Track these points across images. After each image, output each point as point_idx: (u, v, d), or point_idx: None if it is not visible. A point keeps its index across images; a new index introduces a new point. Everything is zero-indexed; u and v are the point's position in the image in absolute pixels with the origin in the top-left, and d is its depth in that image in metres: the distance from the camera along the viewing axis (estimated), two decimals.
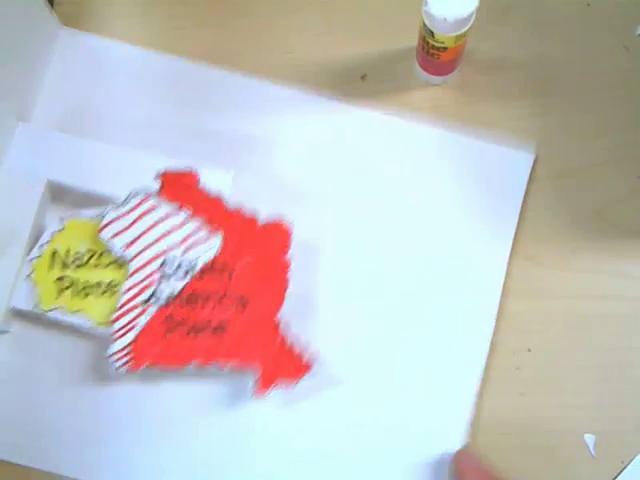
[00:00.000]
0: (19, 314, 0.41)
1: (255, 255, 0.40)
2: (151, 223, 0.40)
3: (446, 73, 0.45)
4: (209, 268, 0.39)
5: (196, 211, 0.40)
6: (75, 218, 0.41)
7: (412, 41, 0.45)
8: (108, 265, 0.40)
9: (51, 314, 0.40)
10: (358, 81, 0.47)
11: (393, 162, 0.44)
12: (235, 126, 0.45)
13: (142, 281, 0.39)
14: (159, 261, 0.39)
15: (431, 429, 0.41)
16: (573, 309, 0.43)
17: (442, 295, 0.42)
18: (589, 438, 0.41)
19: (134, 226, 0.40)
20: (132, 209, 0.40)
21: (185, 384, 0.41)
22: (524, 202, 0.44)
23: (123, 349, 0.38)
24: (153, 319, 0.38)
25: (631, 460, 0.41)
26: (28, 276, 0.40)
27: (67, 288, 0.40)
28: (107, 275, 0.40)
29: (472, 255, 0.42)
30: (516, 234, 0.43)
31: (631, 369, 0.42)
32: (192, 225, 0.40)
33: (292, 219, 0.40)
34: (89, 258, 0.40)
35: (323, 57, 0.47)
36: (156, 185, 0.40)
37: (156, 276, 0.39)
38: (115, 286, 0.40)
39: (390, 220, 0.43)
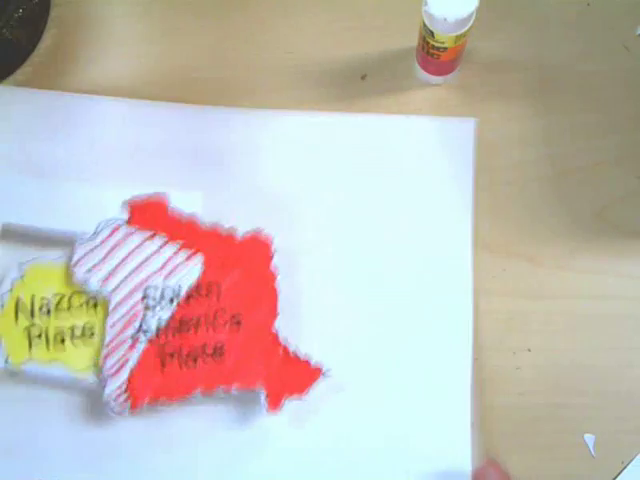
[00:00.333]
0: None
1: (239, 270, 0.39)
2: (126, 253, 0.38)
3: (446, 73, 0.45)
4: (195, 291, 0.38)
5: (171, 236, 0.39)
6: (36, 262, 0.39)
7: (412, 41, 0.45)
8: (80, 306, 0.38)
9: (25, 368, 0.37)
10: (358, 81, 0.47)
11: (350, 161, 0.44)
12: (202, 146, 0.44)
13: (126, 314, 0.37)
14: (140, 292, 0.38)
15: (433, 434, 0.40)
16: (573, 309, 0.42)
17: (417, 295, 0.41)
18: (589, 438, 0.41)
19: (108, 259, 0.38)
20: (103, 241, 0.38)
21: (190, 408, 0.39)
22: (524, 203, 0.44)
23: (119, 388, 0.36)
24: (145, 353, 0.37)
25: (631, 460, 0.41)
26: None
27: (38, 337, 0.37)
28: (81, 317, 0.38)
29: (435, 245, 0.42)
30: (516, 234, 0.43)
31: (631, 369, 0.42)
32: (169, 250, 0.38)
33: (270, 230, 0.40)
34: (58, 302, 0.38)
35: (323, 57, 0.47)
36: (124, 215, 0.39)
37: (140, 307, 0.37)
38: (92, 328, 0.38)
39: (367, 221, 0.43)
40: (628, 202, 0.44)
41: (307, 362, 0.38)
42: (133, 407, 0.36)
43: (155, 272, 0.38)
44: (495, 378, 0.42)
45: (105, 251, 0.38)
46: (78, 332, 0.37)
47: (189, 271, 0.38)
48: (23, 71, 0.48)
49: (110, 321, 0.37)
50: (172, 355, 0.37)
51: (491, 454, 0.39)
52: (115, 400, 0.36)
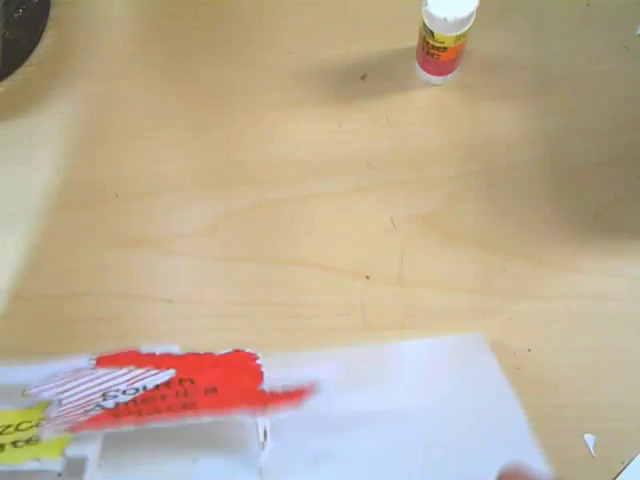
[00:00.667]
0: None
1: (219, 370, 0.36)
2: (87, 377, 0.35)
3: (446, 73, 0.45)
4: (164, 385, 0.35)
5: (141, 364, 0.36)
6: None
7: (412, 41, 0.46)
8: (29, 428, 0.35)
9: None
10: (358, 81, 0.47)
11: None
12: None
13: (80, 400, 0.34)
14: (99, 395, 0.35)
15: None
16: (573, 309, 0.42)
17: None
18: (589, 438, 0.41)
19: (66, 381, 0.35)
20: (61, 377, 0.36)
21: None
22: (524, 203, 0.44)
23: (58, 414, 0.33)
24: (98, 415, 0.34)
25: (631, 460, 0.40)
26: None
27: None
28: (28, 433, 0.34)
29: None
30: (516, 234, 0.43)
31: (631, 369, 0.42)
32: (137, 371, 0.36)
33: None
34: (4, 429, 0.35)
35: (323, 57, 0.47)
36: (90, 364, 0.36)
37: (97, 397, 0.34)
38: (38, 437, 0.34)
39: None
40: (628, 202, 0.44)
41: (298, 387, 0.35)
42: (72, 430, 0.33)
43: (119, 383, 0.35)
44: None
45: (64, 379, 0.36)
46: (22, 443, 0.34)
47: (158, 378, 0.35)
48: (23, 71, 0.48)
49: (62, 404, 0.35)
50: (130, 412, 0.34)
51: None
52: (52, 421, 0.34)
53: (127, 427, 0.33)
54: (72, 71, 0.48)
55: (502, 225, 0.44)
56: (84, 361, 0.37)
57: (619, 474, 0.40)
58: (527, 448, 0.35)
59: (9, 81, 0.48)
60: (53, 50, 0.49)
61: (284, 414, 0.34)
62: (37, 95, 0.48)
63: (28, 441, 0.35)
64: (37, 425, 0.35)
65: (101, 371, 0.36)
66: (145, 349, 0.37)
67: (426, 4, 0.39)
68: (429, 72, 0.45)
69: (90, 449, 0.34)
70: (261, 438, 0.34)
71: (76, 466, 0.34)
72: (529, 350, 0.42)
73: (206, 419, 0.33)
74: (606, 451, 0.41)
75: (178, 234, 0.45)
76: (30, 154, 0.47)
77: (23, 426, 0.36)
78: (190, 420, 0.33)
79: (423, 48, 0.43)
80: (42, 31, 0.48)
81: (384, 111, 0.46)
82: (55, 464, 0.33)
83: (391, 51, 0.47)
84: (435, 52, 0.42)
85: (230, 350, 0.37)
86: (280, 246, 0.44)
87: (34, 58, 0.48)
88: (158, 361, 0.36)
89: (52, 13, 0.49)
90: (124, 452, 0.36)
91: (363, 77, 0.47)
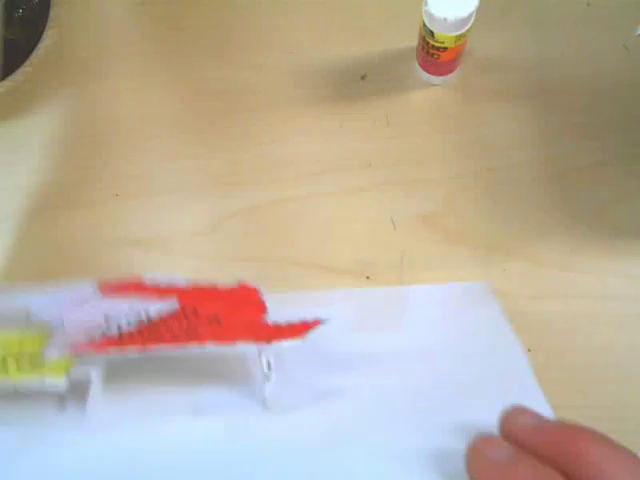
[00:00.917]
0: None
1: (222, 302, 0.36)
2: (91, 304, 0.35)
3: (446, 73, 0.45)
4: (167, 314, 0.35)
5: (144, 293, 0.36)
6: None
7: (412, 41, 0.46)
8: (33, 347, 0.35)
9: None
10: (358, 81, 0.47)
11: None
12: None
13: (83, 324, 0.34)
14: (102, 320, 0.35)
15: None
16: (573, 309, 0.42)
17: None
18: None
19: (71, 308, 0.35)
20: (65, 302, 0.36)
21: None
22: (524, 203, 0.44)
23: (62, 340, 0.33)
24: (100, 340, 0.34)
25: None
26: None
27: None
28: (32, 346, 0.35)
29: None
30: (516, 234, 0.43)
31: (631, 369, 0.42)
32: (141, 300, 0.36)
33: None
34: (5, 350, 0.35)
35: (323, 57, 0.47)
36: (93, 291, 0.37)
37: (100, 323, 0.34)
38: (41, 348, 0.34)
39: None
40: (628, 202, 0.44)
41: (303, 320, 0.35)
42: (74, 350, 0.33)
43: (122, 311, 0.35)
44: None
45: (67, 304, 0.36)
46: (25, 363, 0.35)
47: (162, 306, 0.35)
48: (23, 71, 0.48)
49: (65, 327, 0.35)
50: (133, 340, 0.34)
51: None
52: (56, 344, 0.34)
53: (132, 353, 0.33)
54: (72, 71, 0.48)
55: (502, 225, 0.44)
56: (87, 287, 0.37)
57: None
58: (530, 391, 0.35)
59: (9, 81, 0.48)
60: (53, 50, 0.49)
61: (288, 348, 0.34)
62: (37, 95, 0.48)
63: (32, 362, 0.35)
64: (40, 347, 0.35)
65: (104, 298, 0.36)
66: (148, 279, 0.37)
67: (426, 4, 0.39)
68: (429, 72, 0.45)
69: (94, 372, 0.34)
70: (265, 370, 0.34)
71: (79, 390, 0.34)
72: (529, 350, 0.42)
73: (210, 349, 0.33)
74: None
75: (178, 234, 0.45)
76: (30, 154, 0.47)
77: (26, 347, 0.36)
78: (194, 349, 0.33)
79: (423, 48, 0.43)
80: (42, 31, 0.48)
81: (384, 111, 0.46)
82: (59, 384, 0.33)
83: (391, 51, 0.47)
84: (435, 52, 0.42)
85: (234, 283, 0.37)
86: (280, 246, 0.44)
87: (34, 58, 0.48)
88: (161, 291, 0.36)
89: (52, 13, 0.49)
90: (127, 380, 0.36)
91: (363, 77, 0.47)
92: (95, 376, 0.34)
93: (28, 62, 0.48)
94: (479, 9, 0.39)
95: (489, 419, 0.28)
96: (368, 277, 0.44)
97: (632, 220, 0.44)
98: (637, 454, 0.24)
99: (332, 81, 0.47)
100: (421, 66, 0.45)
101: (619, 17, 0.47)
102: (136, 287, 0.37)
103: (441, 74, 0.45)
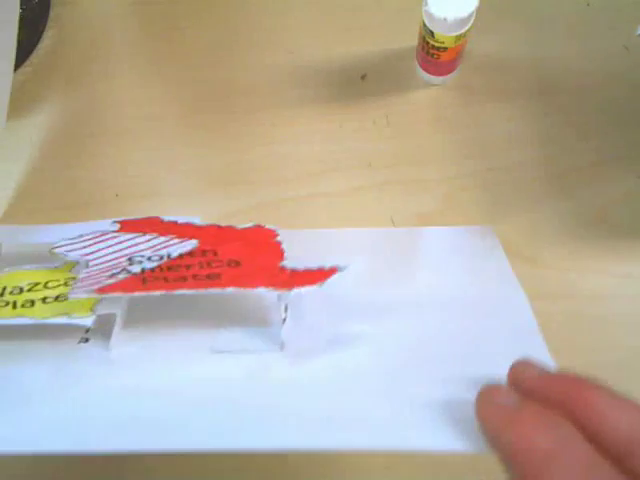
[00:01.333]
0: None
1: (240, 243, 0.37)
2: (111, 241, 0.36)
3: (446, 73, 0.45)
4: (187, 254, 0.35)
5: (164, 233, 0.37)
6: (13, 270, 0.37)
7: (412, 41, 0.46)
8: (57, 286, 0.36)
9: None
10: (358, 81, 0.47)
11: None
12: None
13: (106, 263, 0.35)
14: (124, 259, 0.35)
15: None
16: (573, 309, 0.42)
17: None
18: None
19: (91, 242, 0.36)
20: (87, 239, 0.37)
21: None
22: (524, 203, 0.44)
23: (86, 279, 0.34)
24: (125, 279, 0.34)
25: None
26: None
27: (4, 305, 0.35)
28: (57, 290, 0.35)
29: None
30: (516, 234, 0.43)
31: (632, 369, 0.42)
32: (161, 239, 0.37)
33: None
34: (33, 286, 0.36)
35: (323, 57, 0.47)
36: (113, 227, 0.38)
37: (123, 262, 0.35)
38: (67, 295, 0.35)
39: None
40: (628, 202, 0.44)
41: (320, 267, 0.35)
42: (99, 291, 0.33)
43: (143, 249, 0.36)
44: None
45: (89, 242, 0.37)
46: (51, 299, 0.35)
47: (181, 246, 0.36)
48: (23, 71, 0.48)
49: (89, 267, 0.35)
50: (156, 278, 0.34)
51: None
52: (80, 283, 0.34)
53: (155, 293, 0.33)
54: (72, 71, 0.48)
55: (502, 225, 0.44)
56: (107, 224, 0.38)
57: None
58: (535, 341, 0.35)
59: None
60: (53, 50, 0.49)
61: (305, 293, 0.34)
62: (37, 95, 0.48)
63: (57, 298, 0.35)
64: (65, 284, 0.36)
65: (125, 236, 0.37)
66: (167, 218, 0.38)
67: (426, 4, 0.39)
68: (429, 72, 0.45)
69: (117, 311, 0.35)
70: (282, 314, 0.34)
71: (102, 328, 0.35)
72: None
73: (230, 291, 0.33)
74: None
75: None
76: (30, 154, 0.47)
77: (51, 284, 0.36)
78: (215, 291, 0.33)
79: (423, 48, 0.43)
80: (42, 31, 0.48)
81: (384, 111, 0.46)
82: (85, 320, 0.34)
83: (391, 51, 0.47)
84: (435, 52, 0.42)
85: (251, 224, 0.38)
86: None
87: (34, 58, 0.48)
88: (180, 230, 0.37)
89: (52, 13, 0.49)
90: (148, 319, 0.36)
91: (363, 77, 0.47)
92: (118, 315, 0.35)
93: (28, 62, 0.48)
94: (479, 9, 0.39)
95: (496, 369, 0.28)
96: None
97: (632, 220, 0.44)
98: None
99: (332, 81, 0.47)
100: (421, 66, 0.45)
101: (619, 17, 0.47)
102: (156, 225, 0.37)
103: (441, 74, 0.45)
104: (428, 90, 0.47)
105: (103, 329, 0.35)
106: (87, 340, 0.36)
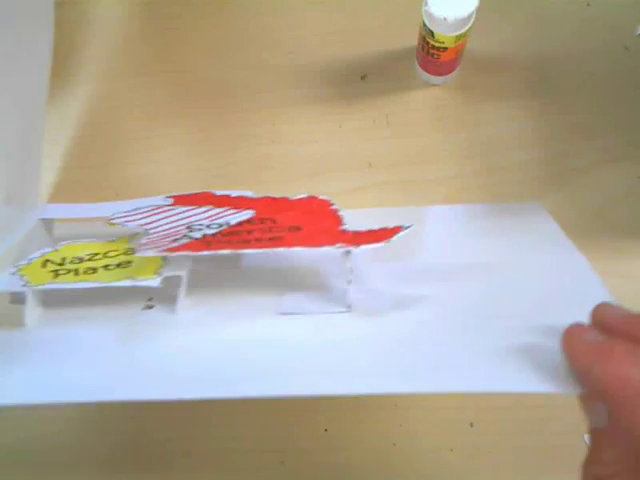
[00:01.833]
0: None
1: (296, 212, 0.37)
2: (169, 214, 0.37)
3: (446, 73, 0.45)
4: (246, 222, 0.36)
5: (218, 205, 0.37)
6: (72, 242, 0.38)
7: (412, 41, 0.46)
8: (117, 255, 0.36)
9: (46, 287, 0.34)
10: (358, 81, 0.47)
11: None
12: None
13: (165, 231, 0.35)
14: (183, 228, 0.35)
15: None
16: None
17: None
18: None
19: (149, 217, 0.37)
20: (142, 211, 0.38)
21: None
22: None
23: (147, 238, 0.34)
24: (188, 243, 0.34)
25: None
26: (12, 274, 0.35)
27: (66, 273, 0.35)
28: (117, 259, 0.36)
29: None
30: None
31: None
32: (217, 210, 0.37)
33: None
34: (92, 255, 0.37)
35: (323, 57, 0.47)
36: (167, 202, 0.38)
37: (182, 230, 0.35)
38: (129, 262, 0.35)
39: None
40: (628, 202, 0.44)
41: (384, 227, 0.34)
42: (167, 250, 0.33)
43: (201, 219, 0.36)
44: None
45: (145, 214, 0.37)
46: (112, 266, 0.36)
47: (239, 215, 0.36)
48: None
49: (150, 233, 0.36)
50: (220, 242, 0.34)
51: None
52: (144, 246, 0.34)
53: (222, 252, 0.33)
54: (72, 71, 0.48)
55: None
56: (160, 199, 0.38)
57: None
58: (600, 293, 0.35)
59: None
60: (53, 50, 0.49)
61: (369, 254, 0.34)
62: None
63: (119, 265, 0.36)
64: (125, 253, 0.36)
65: (180, 208, 0.37)
66: (219, 192, 0.38)
67: (426, 4, 0.39)
68: (429, 72, 0.45)
69: (183, 274, 0.35)
70: (348, 275, 0.34)
71: (165, 293, 0.35)
72: None
73: (296, 251, 0.33)
74: None
75: None
76: None
77: (111, 254, 0.37)
78: (280, 250, 0.33)
79: (423, 48, 0.43)
80: None
81: (384, 111, 0.46)
82: (151, 281, 0.34)
83: (391, 51, 0.47)
84: (435, 52, 0.42)
85: (305, 195, 0.38)
86: None
87: None
88: (235, 202, 0.37)
89: None
90: (211, 286, 0.37)
91: (363, 77, 0.47)
92: (184, 276, 0.35)
93: None
94: (479, 9, 0.39)
95: (567, 321, 0.28)
96: None
97: (632, 220, 0.44)
98: None
99: (332, 81, 0.47)
100: (421, 66, 0.45)
101: (619, 17, 0.47)
102: (209, 199, 0.38)
103: (441, 74, 0.45)
104: (428, 90, 0.47)
105: (166, 296, 0.35)
106: (151, 307, 0.36)
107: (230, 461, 0.42)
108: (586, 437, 0.41)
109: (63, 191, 0.47)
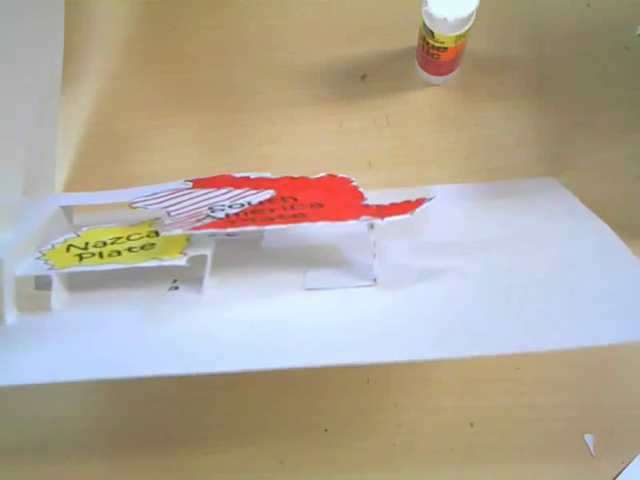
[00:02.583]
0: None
1: (316, 189, 0.37)
2: (189, 197, 0.37)
3: (446, 73, 0.45)
4: (267, 201, 0.36)
5: (238, 186, 0.38)
6: (94, 228, 0.39)
7: (412, 41, 0.46)
8: (140, 238, 0.37)
9: (72, 270, 0.35)
10: (358, 81, 0.47)
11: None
12: None
13: (188, 212, 0.35)
14: (205, 209, 0.36)
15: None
16: None
17: None
18: (589, 438, 0.41)
19: (169, 200, 0.37)
20: (162, 195, 0.38)
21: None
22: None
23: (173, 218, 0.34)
24: (211, 222, 0.34)
25: (631, 460, 0.40)
26: (37, 259, 0.36)
27: (90, 256, 0.36)
28: (140, 241, 0.36)
29: None
30: None
31: (631, 369, 0.42)
32: (237, 191, 0.37)
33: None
34: (115, 239, 0.37)
35: (323, 57, 0.47)
36: (186, 185, 0.38)
37: (205, 211, 0.35)
38: (153, 244, 0.36)
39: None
40: (628, 202, 0.44)
41: (407, 200, 0.34)
42: (192, 229, 0.33)
43: (222, 200, 0.36)
44: (495, 378, 0.42)
45: (165, 197, 0.37)
46: (137, 249, 0.36)
47: (259, 195, 0.36)
48: None
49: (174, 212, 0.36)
50: (243, 220, 0.34)
51: None
52: (168, 226, 0.34)
53: (247, 229, 0.33)
54: (72, 71, 0.48)
55: None
56: (179, 183, 0.38)
57: (619, 474, 0.40)
58: (627, 258, 0.34)
59: None
60: None
61: (399, 221, 0.33)
62: None
63: (143, 247, 0.36)
64: (148, 236, 0.37)
65: (199, 191, 0.37)
66: (238, 175, 0.38)
67: (426, 4, 0.39)
68: (429, 72, 0.45)
69: (208, 250, 0.35)
70: (373, 249, 0.34)
71: (190, 276, 0.36)
72: None
73: (320, 225, 0.33)
74: (606, 451, 0.41)
75: None
76: None
77: (134, 237, 0.37)
78: (304, 225, 0.33)
79: (423, 48, 0.43)
80: None
81: (384, 111, 0.46)
82: (177, 261, 0.34)
83: (391, 51, 0.47)
84: (435, 52, 0.42)
85: (324, 174, 0.38)
86: None
87: None
88: (254, 183, 0.37)
89: None
90: (236, 265, 0.37)
91: (363, 77, 0.47)
92: (209, 255, 0.35)
93: None
94: (479, 9, 0.39)
95: (598, 285, 0.29)
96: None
97: (632, 220, 0.44)
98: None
99: (332, 81, 0.47)
100: (421, 66, 0.45)
101: (619, 17, 0.47)
102: (229, 181, 0.38)
103: (441, 74, 0.45)
104: (428, 90, 0.47)
105: (191, 278, 0.36)
106: (177, 288, 0.36)
107: (230, 461, 0.42)
108: (586, 437, 0.41)
109: (65, 190, 0.47)
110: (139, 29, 0.49)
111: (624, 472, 0.40)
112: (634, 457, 0.41)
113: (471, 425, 0.41)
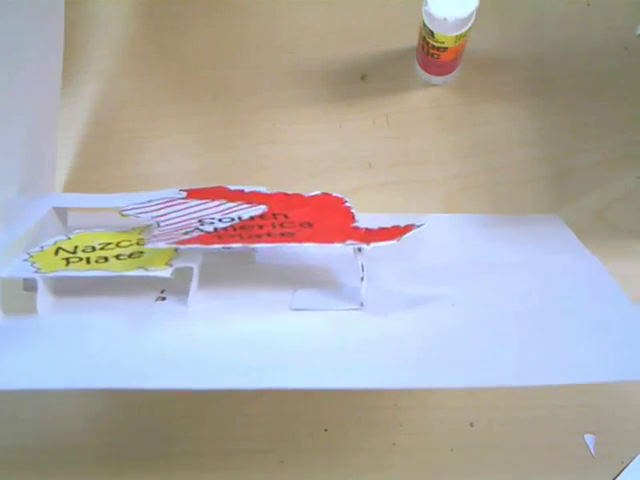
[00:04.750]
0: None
1: (309, 208, 0.36)
2: (181, 206, 0.37)
3: (446, 73, 0.45)
4: (258, 217, 0.36)
5: (231, 199, 0.37)
6: (85, 232, 0.38)
7: (412, 41, 0.46)
8: (129, 245, 0.37)
9: (57, 275, 0.34)
10: (358, 81, 0.47)
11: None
12: None
13: (177, 224, 0.35)
14: (196, 221, 0.36)
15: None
16: None
17: None
18: (589, 438, 0.41)
19: (161, 207, 0.37)
20: (156, 204, 0.38)
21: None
22: (524, 203, 0.44)
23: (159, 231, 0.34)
24: (199, 236, 0.34)
25: (631, 460, 0.41)
26: (24, 261, 0.35)
27: (78, 260, 0.35)
28: (129, 249, 0.36)
29: None
30: None
31: None
32: (229, 204, 0.37)
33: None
34: (105, 245, 0.37)
35: (323, 57, 0.47)
36: (180, 195, 0.38)
37: (194, 223, 0.35)
38: (141, 252, 0.35)
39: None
40: (628, 202, 0.44)
41: (395, 225, 0.34)
42: (178, 243, 0.33)
43: (213, 213, 0.36)
44: None
45: (158, 206, 0.37)
46: (124, 256, 0.36)
47: (251, 210, 0.36)
48: None
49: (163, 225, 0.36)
50: (231, 236, 0.34)
51: None
52: (155, 237, 0.34)
53: (233, 246, 0.33)
54: (72, 71, 0.48)
55: None
56: (173, 192, 0.38)
57: (619, 474, 0.40)
58: (617, 297, 0.34)
59: None
60: None
61: (385, 246, 0.33)
62: None
63: (131, 255, 0.36)
64: (137, 243, 0.36)
65: (193, 202, 0.37)
66: (233, 187, 0.38)
67: (426, 4, 0.39)
68: (429, 72, 0.45)
69: (195, 263, 0.35)
70: (360, 272, 0.34)
71: (178, 287, 0.35)
72: None
73: (306, 246, 0.33)
74: (606, 451, 0.41)
75: None
76: None
77: (123, 244, 0.37)
78: (291, 245, 0.33)
79: (423, 48, 0.43)
80: None
81: (384, 111, 0.46)
82: (163, 272, 0.34)
83: (391, 51, 0.47)
84: (435, 52, 0.42)
85: (318, 192, 0.38)
86: None
87: None
88: (248, 197, 0.37)
89: None
90: (223, 281, 0.37)
91: (363, 77, 0.47)
92: (195, 268, 0.35)
93: None
94: (479, 9, 0.39)
95: (585, 321, 0.30)
96: None
97: (632, 220, 0.44)
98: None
99: (332, 81, 0.47)
100: (421, 66, 0.45)
101: (619, 17, 0.47)
102: (222, 193, 0.37)
103: (441, 74, 0.45)
104: (428, 90, 0.47)
105: (179, 289, 0.35)
106: (164, 299, 0.36)
107: (230, 461, 0.42)
108: (586, 437, 0.41)
109: (65, 190, 0.46)
110: (139, 29, 0.49)
111: (624, 472, 0.40)
112: (634, 457, 0.41)
113: (471, 425, 0.41)
